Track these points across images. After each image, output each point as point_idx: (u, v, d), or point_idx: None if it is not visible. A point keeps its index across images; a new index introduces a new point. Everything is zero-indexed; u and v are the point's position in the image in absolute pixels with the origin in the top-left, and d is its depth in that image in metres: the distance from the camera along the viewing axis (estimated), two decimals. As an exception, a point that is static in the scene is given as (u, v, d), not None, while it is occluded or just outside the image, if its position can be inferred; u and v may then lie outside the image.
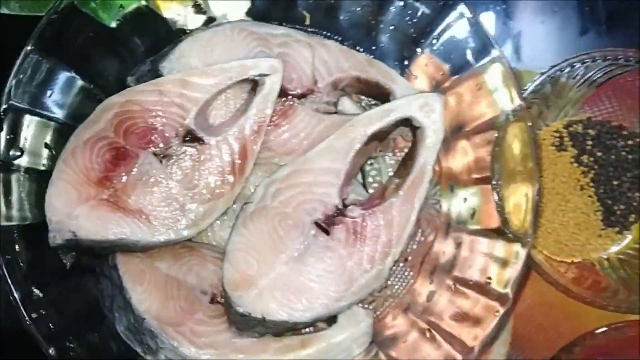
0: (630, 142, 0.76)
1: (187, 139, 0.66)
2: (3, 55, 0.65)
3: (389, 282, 0.73)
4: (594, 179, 0.76)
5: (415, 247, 0.74)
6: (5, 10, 0.82)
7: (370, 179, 0.76)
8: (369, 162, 0.76)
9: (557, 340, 0.77)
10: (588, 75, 0.73)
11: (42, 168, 0.67)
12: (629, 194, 0.76)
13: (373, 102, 0.75)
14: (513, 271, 0.62)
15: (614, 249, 0.77)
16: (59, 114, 0.68)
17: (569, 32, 0.81)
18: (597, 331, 0.68)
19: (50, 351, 0.62)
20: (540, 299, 0.78)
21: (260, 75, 0.66)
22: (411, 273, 0.73)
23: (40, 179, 0.66)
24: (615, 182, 0.75)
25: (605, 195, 0.76)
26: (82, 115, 0.66)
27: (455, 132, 0.69)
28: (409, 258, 0.74)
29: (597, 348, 0.68)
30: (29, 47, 0.64)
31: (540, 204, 0.66)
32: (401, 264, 0.73)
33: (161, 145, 0.65)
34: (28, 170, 0.66)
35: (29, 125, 0.66)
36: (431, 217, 0.73)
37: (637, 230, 0.77)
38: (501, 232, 0.64)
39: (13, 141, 0.65)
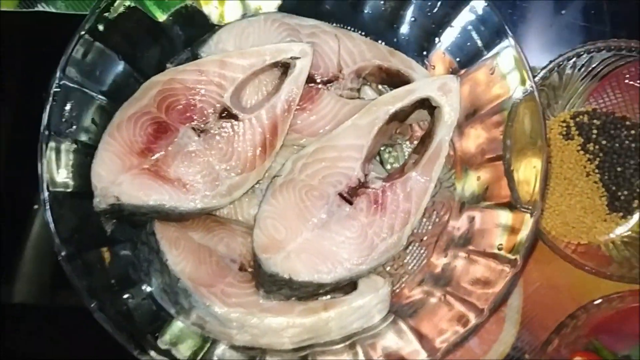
0: (633, 131, 0.81)
1: (223, 115, 0.72)
2: (50, 50, 0.71)
3: (405, 261, 0.78)
4: (599, 166, 0.81)
5: (430, 227, 0.79)
6: (52, 9, 0.90)
7: (388, 166, 0.81)
8: (387, 149, 0.81)
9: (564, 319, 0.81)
10: (592, 66, 0.78)
11: (89, 142, 0.72)
12: (632, 180, 0.80)
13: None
14: (522, 237, 0.67)
15: (619, 231, 0.81)
16: (104, 93, 0.74)
17: (574, 32, 0.87)
18: (599, 300, 0.72)
19: (92, 305, 0.67)
20: (547, 283, 0.83)
21: (292, 58, 0.72)
22: (426, 252, 0.78)
23: (86, 152, 0.72)
24: (619, 169, 0.80)
25: (610, 181, 0.81)
26: (124, 96, 0.73)
27: (470, 116, 0.74)
28: (424, 238, 0.79)
29: (600, 316, 0.72)
30: (82, 32, 0.71)
31: (548, 175, 0.71)
32: (417, 244, 0.79)
33: (200, 120, 0.71)
34: (76, 141, 0.72)
35: (79, 102, 0.72)
36: (446, 199, 0.78)
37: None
38: (512, 204, 0.69)
39: (64, 114, 0.71)
